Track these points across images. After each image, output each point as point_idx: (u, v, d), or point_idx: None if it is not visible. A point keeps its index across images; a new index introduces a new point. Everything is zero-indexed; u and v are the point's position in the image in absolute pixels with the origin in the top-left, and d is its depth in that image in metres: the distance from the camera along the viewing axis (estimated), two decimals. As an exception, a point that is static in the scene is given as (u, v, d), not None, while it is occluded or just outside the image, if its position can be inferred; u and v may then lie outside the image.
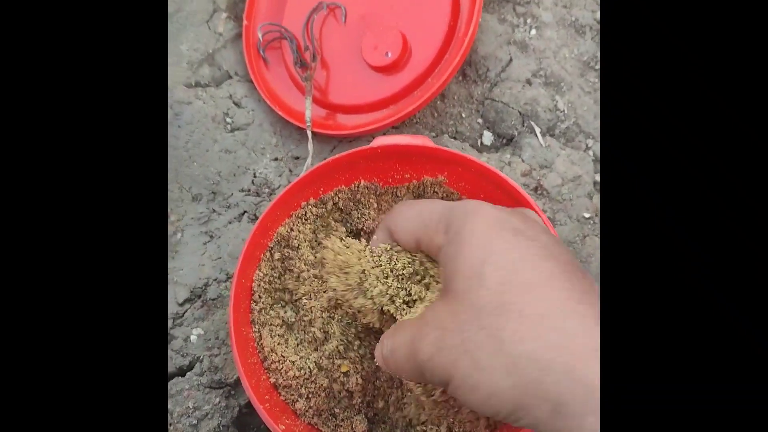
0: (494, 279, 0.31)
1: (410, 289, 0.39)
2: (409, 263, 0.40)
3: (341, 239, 0.44)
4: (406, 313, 0.38)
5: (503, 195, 0.49)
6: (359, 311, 0.42)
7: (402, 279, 0.39)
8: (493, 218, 0.34)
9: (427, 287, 0.39)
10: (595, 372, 0.28)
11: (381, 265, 0.40)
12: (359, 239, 0.44)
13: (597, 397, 0.27)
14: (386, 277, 0.40)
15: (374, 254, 0.41)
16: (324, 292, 0.50)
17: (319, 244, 0.53)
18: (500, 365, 0.30)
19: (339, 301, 0.48)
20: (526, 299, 0.30)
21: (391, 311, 0.39)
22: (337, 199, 0.53)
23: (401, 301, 0.39)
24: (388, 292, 0.39)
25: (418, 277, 0.39)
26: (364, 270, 0.41)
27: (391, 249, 0.41)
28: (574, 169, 0.58)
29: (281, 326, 0.51)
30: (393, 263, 0.40)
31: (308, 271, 0.51)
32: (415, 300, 0.39)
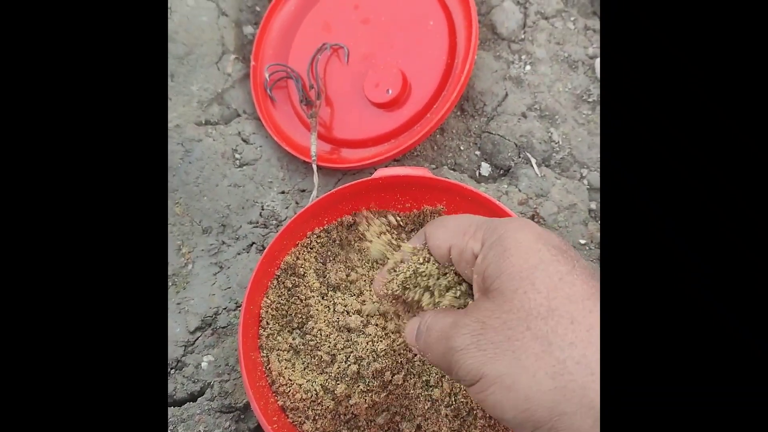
0: (545, 284, 0.31)
1: (446, 285, 0.39)
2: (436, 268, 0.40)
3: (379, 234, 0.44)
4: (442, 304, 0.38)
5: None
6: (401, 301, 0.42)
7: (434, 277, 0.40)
8: (539, 232, 0.34)
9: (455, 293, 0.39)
10: None
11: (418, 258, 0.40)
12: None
13: None
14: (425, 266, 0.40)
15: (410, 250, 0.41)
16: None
17: (324, 274, 0.55)
18: (546, 366, 0.29)
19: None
20: (577, 308, 0.30)
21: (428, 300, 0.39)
22: (341, 228, 0.56)
23: (441, 290, 0.39)
24: (428, 282, 0.39)
25: (447, 281, 0.40)
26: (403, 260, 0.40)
27: (422, 250, 0.41)
28: (569, 197, 0.60)
29: (288, 351, 0.53)
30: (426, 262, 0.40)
31: (314, 297, 0.54)
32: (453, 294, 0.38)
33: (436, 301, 0.38)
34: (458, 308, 0.37)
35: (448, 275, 0.38)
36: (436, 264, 0.39)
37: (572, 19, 0.67)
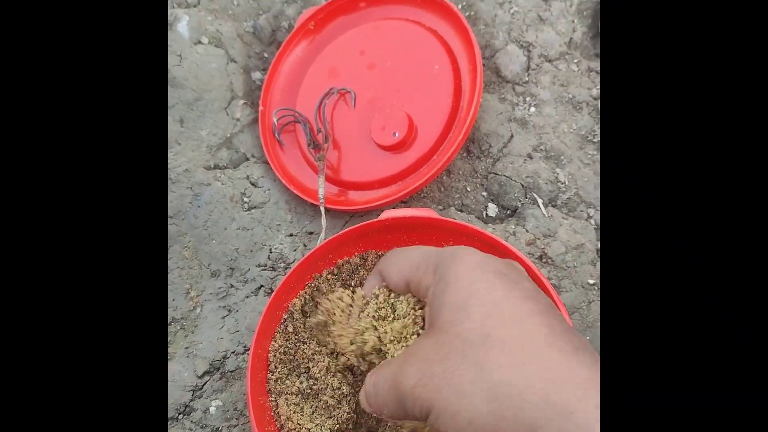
0: (478, 313, 0.33)
1: (396, 330, 0.40)
2: (393, 306, 0.41)
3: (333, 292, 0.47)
4: (391, 354, 0.40)
5: (506, 262, 0.51)
6: (352, 355, 0.44)
7: (390, 320, 0.41)
8: (477, 261, 0.36)
9: (413, 330, 0.40)
10: (569, 398, 0.29)
11: (369, 308, 0.42)
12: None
13: (573, 422, 0.28)
14: (377, 320, 0.41)
15: (364, 299, 0.43)
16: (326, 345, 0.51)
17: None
18: (480, 391, 0.31)
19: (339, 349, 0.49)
20: (509, 332, 0.32)
21: (377, 353, 0.41)
22: (348, 266, 0.56)
23: (388, 341, 0.40)
24: (376, 334, 0.41)
25: (406, 320, 0.41)
26: (355, 314, 0.43)
27: (380, 293, 0.42)
28: (576, 237, 0.61)
29: (297, 395, 0.52)
30: (382, 307, 0.42)
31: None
32: (400, 340, 0.40)
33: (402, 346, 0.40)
34: None
35: (407, 317, 0.40)
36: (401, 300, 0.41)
37: (575, 61, 0.68)
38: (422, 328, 0.39)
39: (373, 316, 0.42)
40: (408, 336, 0.40)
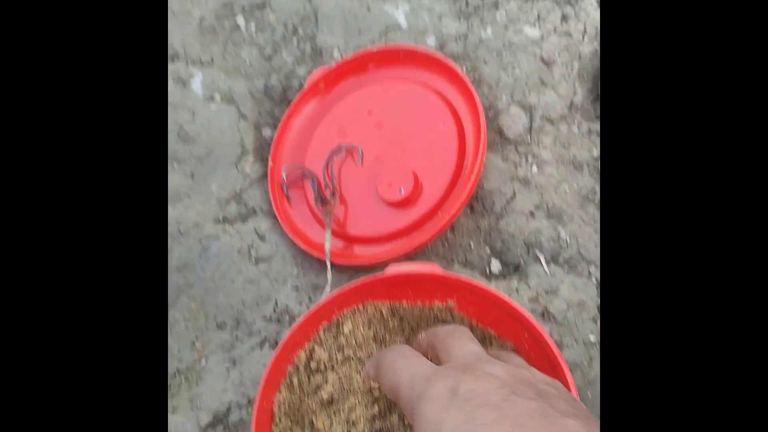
0: None
1: None
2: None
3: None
4: None
5: (509, 318, 0.52)
6: None
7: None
8: (441, 396, 0.35)
9: None
10: None
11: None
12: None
13: None
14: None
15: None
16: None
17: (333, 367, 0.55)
18: None
19: None
20: None
21: None
22: (349, 322, 0.57)
23: None
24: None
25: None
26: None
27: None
28: (578, 295, 0.61)
29: (301, 449, 0.53)
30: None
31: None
32: None
33: None
34: None
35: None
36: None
37: (576, 123, 0.70)
38: None
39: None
40: None
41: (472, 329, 0.55)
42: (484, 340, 0.54)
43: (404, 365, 0.41)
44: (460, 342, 0.44)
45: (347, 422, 0.52)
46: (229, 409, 0.61)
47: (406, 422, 0.51)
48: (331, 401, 0.54)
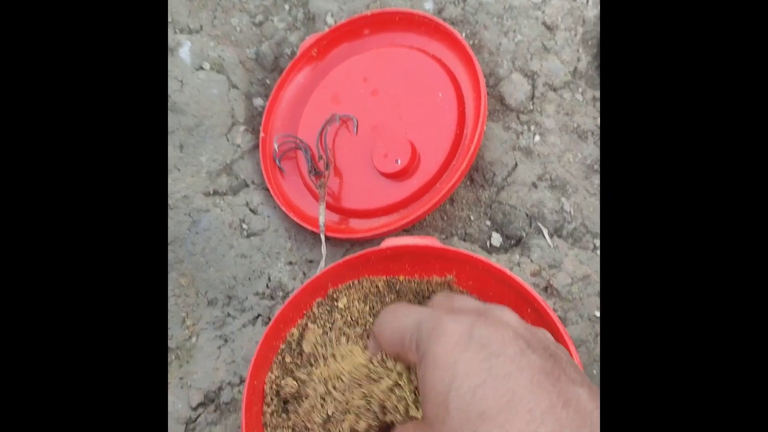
0: (458, 407, 0.31)
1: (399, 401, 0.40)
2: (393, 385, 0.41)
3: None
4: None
5: (511, 292, 0.50)
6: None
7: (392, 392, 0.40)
8: (455, 337, 0.34)
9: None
10: None
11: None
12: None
13: None
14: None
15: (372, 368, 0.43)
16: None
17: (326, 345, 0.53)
18: None
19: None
20: (489, 428, 0.30)
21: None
22: (344, 297, 0.54)
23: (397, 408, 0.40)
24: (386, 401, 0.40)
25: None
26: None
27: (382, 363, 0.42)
28: (582, 268, 0.59)
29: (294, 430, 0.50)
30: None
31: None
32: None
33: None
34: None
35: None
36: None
37: (580, 90, 0.67)
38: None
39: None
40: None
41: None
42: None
43: (410, 311, 0.40)
44: (461, 298, 0.43)
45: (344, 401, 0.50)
46: (220, 388, 0.59)
47: (406, 390, 0.48)
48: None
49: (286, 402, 0.52)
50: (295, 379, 0.51)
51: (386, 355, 0.42)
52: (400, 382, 0.40)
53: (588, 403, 0.31)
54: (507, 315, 0.36)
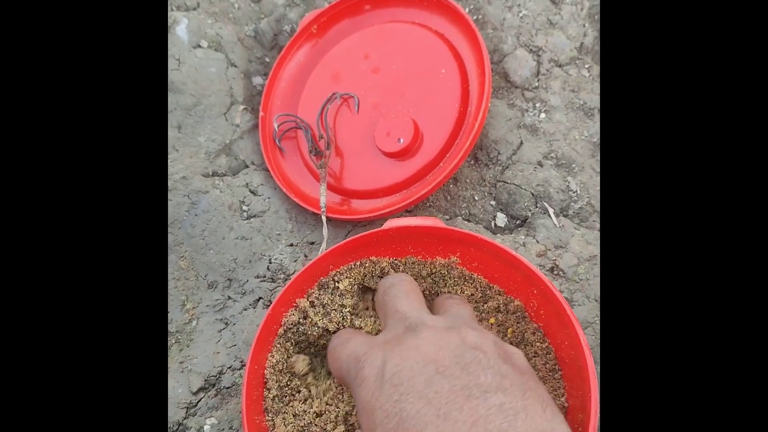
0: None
1: None
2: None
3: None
4: None
5: (517, 273, 0.49)
6: None
7: None
8: (371, 380, 0.36)
9: None
10: None
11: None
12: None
13: None
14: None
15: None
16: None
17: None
18: None
19: None
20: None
21: None
22: (346, 280, 0.53)
23: None
24: None
25: None
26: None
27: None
28: (589, 248, 0.58)
29: (295, 415, 0.50)
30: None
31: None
32: None
33: None
34: None
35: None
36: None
37: (587, 66, 0.65)
38: None
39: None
40: None
41: (478, 286, 0.51)
42: (489, 298, 0.51)
43: (341, 349, 0.43)
44: (396, 300, 0.45)
45: (338, 385, 0.49)
46: (221, 373, 0.58)
47: None
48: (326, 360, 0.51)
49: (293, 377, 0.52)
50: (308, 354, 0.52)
51: None
52: None
53: (501, 409, 0.31)
54: (420, 339, 0.38)
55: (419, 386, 0.33)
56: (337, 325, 0.51)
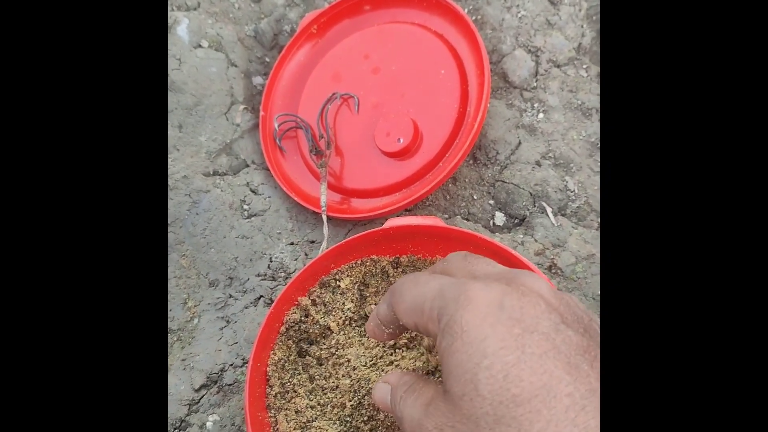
0: (489, 388, 0.28)
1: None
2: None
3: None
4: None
5: (516, 273, 0.49)
6: None
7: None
8: (484, 307, 0.30)
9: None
10: None
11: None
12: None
13: None
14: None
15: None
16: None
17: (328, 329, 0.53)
18: None
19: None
20: (524, 414, 0.28)
21: None
22: (347, 278, 0.54)
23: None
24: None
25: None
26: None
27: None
28: (587, 247, 0.59)
29: (297, 411, 0.50)
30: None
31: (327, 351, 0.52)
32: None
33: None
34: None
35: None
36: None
37: (585, 66, 0.66)
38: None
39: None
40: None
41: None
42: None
43: (431, 278, 0.35)
44: (482, 261, 0.38)
45: (348, 376, 0.49)
46: (222, 370, 0.59)
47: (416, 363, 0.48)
48: (328, 358, 0.51)
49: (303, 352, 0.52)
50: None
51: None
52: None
53: None
54: (538, 283, 0.32)
55: (545, 329, 0.29)
56: (339, 323, 0.52)
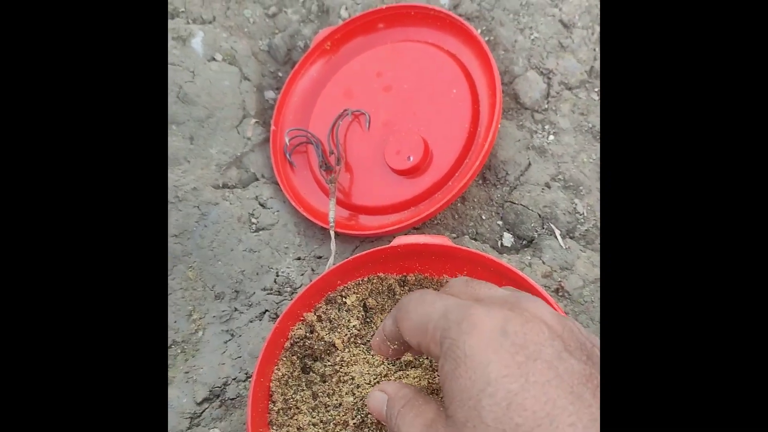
0: (492, 416, 0.28)
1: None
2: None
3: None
4: None
5: (523, 295, 0.49)
6: None
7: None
8: (487, 332, 0.30)
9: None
10: None
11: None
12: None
13: None
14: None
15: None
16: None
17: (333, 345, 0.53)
18: None
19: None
20: None
21: None
22: (353, 295, 0.54)
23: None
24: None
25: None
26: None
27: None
28: (595, 271, 0.58)
29: (299, 428, 0.50)
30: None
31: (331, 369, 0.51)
32: None
33: None
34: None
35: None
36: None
37: (596, 90, 0.66)
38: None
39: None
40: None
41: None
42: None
43: (437, 297, 0.35)
44: (485, 286, 0.38)
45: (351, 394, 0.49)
46: (225, 384, 0.59)
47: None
48: (332, 375, 0.51)
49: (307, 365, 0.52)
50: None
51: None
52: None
53: None
54: (541, 308, 0.32)
55: (548, 356, 0.29)
56: (344, 340, 0.51)
